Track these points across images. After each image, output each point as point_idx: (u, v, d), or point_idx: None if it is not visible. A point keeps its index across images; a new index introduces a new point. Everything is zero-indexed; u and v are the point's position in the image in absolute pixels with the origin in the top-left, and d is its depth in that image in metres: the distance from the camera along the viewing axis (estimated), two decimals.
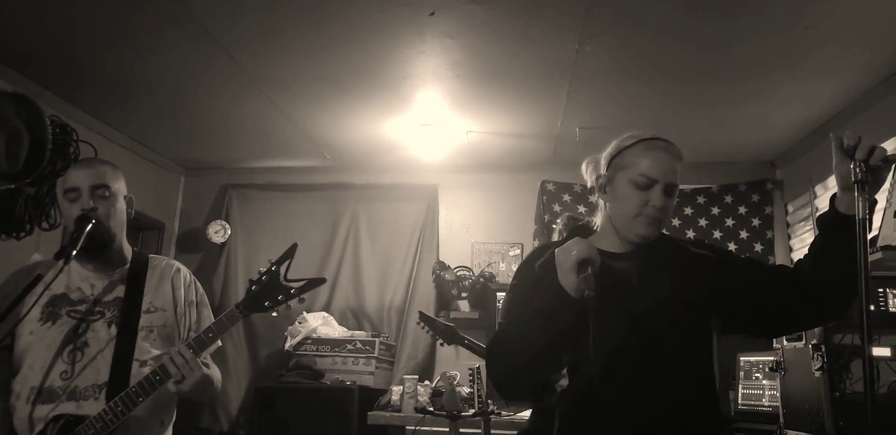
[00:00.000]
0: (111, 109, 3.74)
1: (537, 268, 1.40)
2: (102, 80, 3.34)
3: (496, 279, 4.26)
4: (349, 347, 3.88)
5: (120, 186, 1.83)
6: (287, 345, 3.96)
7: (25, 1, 2.60)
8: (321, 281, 1.73)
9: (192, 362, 1.63)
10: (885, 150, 1.24)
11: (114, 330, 1.74)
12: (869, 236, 1.71)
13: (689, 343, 1.37)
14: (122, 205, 1.82)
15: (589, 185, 1.51)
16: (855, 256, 1.17)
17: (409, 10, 2.64)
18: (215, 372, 1.84)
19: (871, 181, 1.23)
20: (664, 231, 1.45)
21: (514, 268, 4.27)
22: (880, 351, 1.84)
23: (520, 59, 3.03)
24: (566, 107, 3.53)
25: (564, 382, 1.43)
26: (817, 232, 1.38)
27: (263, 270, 1.71)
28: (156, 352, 1.78)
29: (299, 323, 4.02)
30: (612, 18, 2.65)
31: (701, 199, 4.24)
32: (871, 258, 1.90)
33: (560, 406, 1.42)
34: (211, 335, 1.68)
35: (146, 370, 1.71)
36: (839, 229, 1.29)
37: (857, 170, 1.22)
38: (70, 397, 1.67)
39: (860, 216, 1.18)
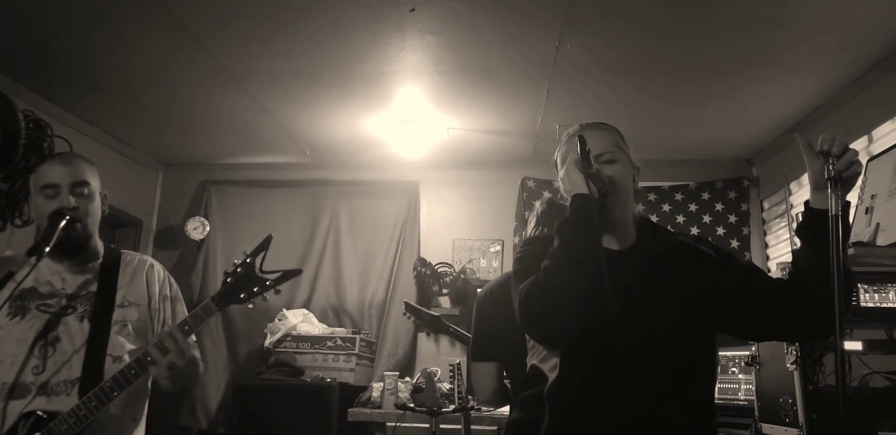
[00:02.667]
0: (87, 104, 3.68)
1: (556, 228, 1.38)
2: (78, 74, 3.29)
3: (477, 275, 4.27)
4: (329, 343, 3.87)
5: (97, 183, 1.81)
6: (267, 342, 3.94)
7: None
8: (297, 272, 1.71)
9: (183, 343, 1.61)
10: (856, 152, 1.26)
11: (86, 324, 1.72)
12: (849, 232, 1.74)
13: (692, 338, 1.35)
14: (98, 202, 1.80)
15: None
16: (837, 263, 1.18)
17: (389, 6, 2.63)
18: (198, 355, 1.82)
19: (843, 178, 1.24)
20: (668, 227, 1.45)
21: (495, 264, 4.34)
22: (852, 345, 1.88)
23: (500, 56, 3.04)
24: (546, 104, 3.54)
25: (555, 372, 1.40)
26: (798, 242, 1.38)
27: (238, 261, 1.70)
28: (130, 346, 1.76)
29: (279, 320, 4.00)
30: (592, 16, 2.67)
31: (679, 196, 4.29)
32: None
33: (551, 398, 1.39)
34: (187, 328, 1.66)
35: (119, 365, 1.68)
36: (816, 229, 1.30)
37: (830, 167, 1.23)
38: (41, 392, 1.64)
39: (833, 212, 1.20)
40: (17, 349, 1.66)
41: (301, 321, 4.02)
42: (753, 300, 1.38)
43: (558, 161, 1.51)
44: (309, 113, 3.76)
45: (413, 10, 2.65)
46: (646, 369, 1.29)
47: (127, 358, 1.73)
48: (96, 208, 1.79)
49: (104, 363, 1.69)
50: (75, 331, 1.71)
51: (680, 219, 4.24)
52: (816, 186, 1.31)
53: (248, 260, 1.69)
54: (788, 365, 1.89)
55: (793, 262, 1.40)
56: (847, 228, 1.30)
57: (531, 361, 1.59)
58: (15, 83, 3.32)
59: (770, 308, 1.37)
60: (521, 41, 2.89)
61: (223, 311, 1.72)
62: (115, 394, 1.61)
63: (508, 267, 4.25)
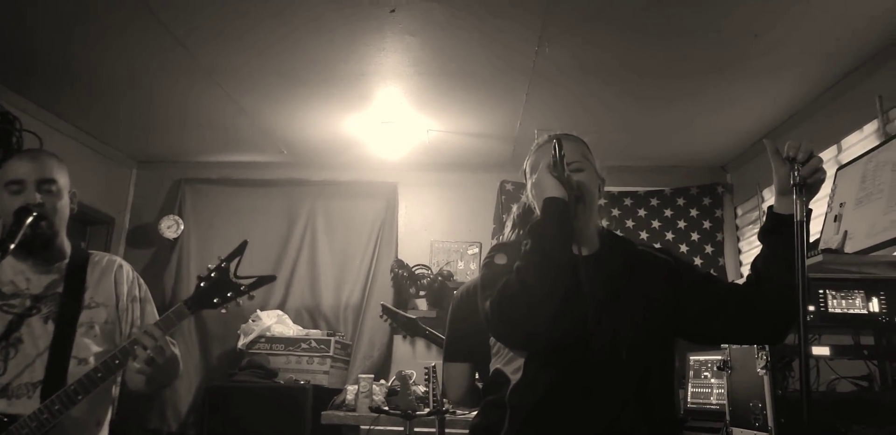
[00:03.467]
0: (60, 99, 3.61)
1: (495, 258, 1.42)
2: (51, 69, 3.23)
3: (454, 278, 4.27)
4: (304, 345, 3.84)
5: (65, 181, 1.77)
6: (240, 343, 3.89)
7: None
8: (271, 278, 1.71)
9: (162, 341, 1.59)
10: (821, 159, 1.29)
11: (51, 326, 1.68)
12: (810, 240, 1.78)
13: (656, 344, 1.37)
14: (66, 200, 1.77)
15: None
16: (794, 264, 1.20)
17: (369, 6, 2.62)
18: (177, 352, 1.80)
19: (807, 185, 1.26)
20: (628, 221, 1.48)
21: (473, 267, 4.34)
22: (820, 350, 1.91)
23: (480, 58, 3.05)
24: (525, 107, 3.56)
25: (518, 374, 1.40)
26: (761, 247, 1.40)
27: (213, 266, 1.68)
28: (96, 349, 1.73)
29: (253, 321, 3.95)
30: (571, 21, 2.69)
31: (654, 202, 4.33)
32: (811, 261, 1.98)
33: (513, 401, 1.39)
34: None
35: (84, 368, 1.65)
36: (779, 234, 1.32)
37: (796, 173, 1.25)
38: (1, 395, 1.60)
39: (798, 218, 1.21)
40: None
41: (275, 322, 3.98)
42: (712, 305, 1.40)
43: (528, 170, 1.52)
44: (287, 112, 3.73)
45: (393, 11, 2.65)
46: (611, 375, 1.30)
47: (92, 360, 1.70)
48: (64, 206, 1.75)
49: (68, 366, 1.66)
50: (39, 332, 1.67)
51: (655, 224, 4.29)
52: (781, 192, 1.34)
53: (222, 265, 1.68)
54: (759, 370, 1.91)
55: (752, 265, 1.42)
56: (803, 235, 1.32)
57: (495, 365, 1.59)
58: None
59: (728, 312, 1.39)
60: (500, 44, 2.90)
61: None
62: (80, 398, 1.58)
63: None
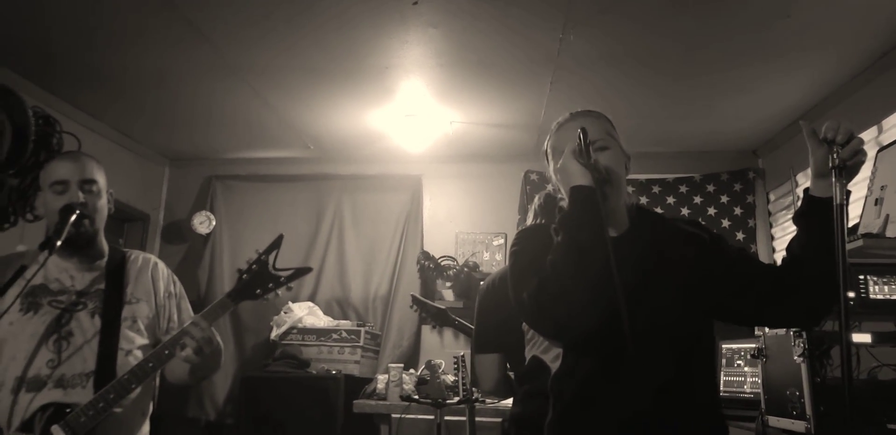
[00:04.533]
0: (94, 100, 3.69)
1: (515, 244, 1.40)
2: (84, 70, 3.29)
3: (480, 268, 4.28)
4: (334, 336, 3.88)
5: (104, 181, 1.85)
6: (273, 335, 3.95)
7: None
8: (308, 270, 1.80)
9: (209, 331, 1.67)
10: (861, 141, 1.25)
11: (97, 320, 1.75)
12: (849, 224, 1.74)
13: (694, 324, 1.34)
14: (105, 200, 1.84)
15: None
16: (832, 249, 1.17)
17: (392, 0, 2.62)
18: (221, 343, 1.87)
19: (847, 167, 1.23)
20: (657, 209, 1.45)
21: (498, 257, 4.34)
22: (860, 337, 1.87)
23: (503, 49, 3.03)
24: (550, 96, 3.53)
25: (557, 362, 1.39)
26: (795, 229, 1.37)
27: (252, 259, 1.76)
28: (141, 341, 1.80)
29: (285, 313, 4.01)
30: (595, 8, 2.65)
31: (683, 189, 4.27)
32: (851, 246, 1.94)
33: (555, 389, 1.38)
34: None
35: (130, 360, 1.73)
36: (816, 217, 1.28)
37: (835, 155, 1.22)
38: (57, 385, 1.67)
39: (838, 201, 1.18)
40: (31, 344, 1.69)
41: (306, 314, 4.04)
42: (746, 283, 1.36)
43: (550, 152, 1.48)
44: (312, 107, 3.76)
45: (416, 3, 2.64)
46: (650, 358, 1.27)
47: (137, 352, 1.77)
48: (103, 206, 1.83)
49: (117, 357, 1.73)
50: (87, 326, 1.74)
51: (685, 211, 4.23)
52: (819, 174, 1.30)
53: (261, 258, 1.76)
54: (796, 357, 1.89)
55: (788, 248, 1.38)
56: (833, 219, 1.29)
57: (531, 352, 1.58)
58: (22, 79, 3.32)
59: (762, 292, 1.35)
60: (524, 34, 2.87)
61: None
62: (133, 386, 1.66)
63: None
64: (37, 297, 1.74)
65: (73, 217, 1.69)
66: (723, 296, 1.37)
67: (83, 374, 1.70)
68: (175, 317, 1.90)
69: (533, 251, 1.34)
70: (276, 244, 1.77)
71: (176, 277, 1.99)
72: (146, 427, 1.84)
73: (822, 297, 1.29)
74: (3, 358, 1.69)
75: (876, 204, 2.31)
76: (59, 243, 1.63)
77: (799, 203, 1.38)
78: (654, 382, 1.28)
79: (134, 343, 1.78)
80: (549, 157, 1.47)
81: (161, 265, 1.96)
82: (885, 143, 2.57)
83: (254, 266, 1.75)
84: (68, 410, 1.63)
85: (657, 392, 1.27)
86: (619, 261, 1.24)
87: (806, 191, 1.35)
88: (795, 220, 1.37)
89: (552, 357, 1.43)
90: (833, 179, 1.21)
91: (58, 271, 1.80)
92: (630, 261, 1.30)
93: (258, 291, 1.74)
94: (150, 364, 1.67)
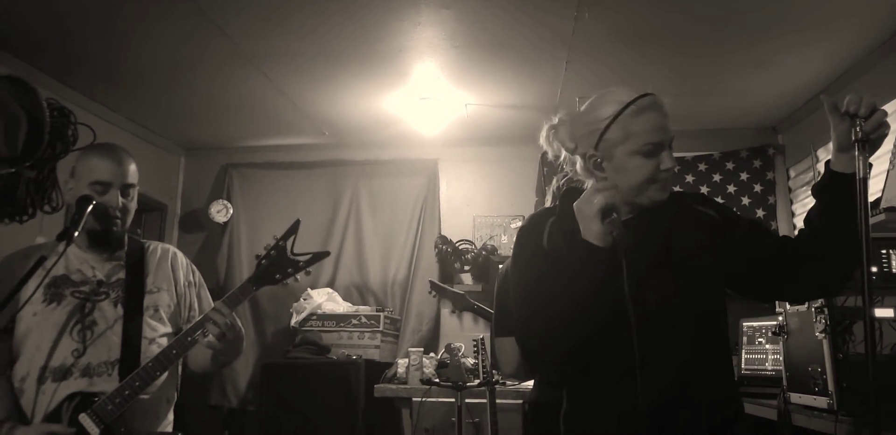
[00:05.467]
0: (108, 91, 3.71)
1: (545, 243, 1.34)
2: (98, 61, 3.31)
3: (498, 252, 4.27)
4: (354, 321, 3.91)
5: (137, 180, 1.87)
6: (293, 321, 3.99)
7: None
8: (325, 254, 1.82)
9: (231, 317, 1.69)
10: (885, 113, 1.22)
11: (120, 309, 1.78)
12: (871, 199, 1.70)
13: (709, 304, 1.32)
14: (136, 199, 1.88)
15: (557, 155, 1.48)
16: (852, 223, 1.15)
17: None
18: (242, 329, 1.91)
19: (871, 140, 1.20)
20: (676, 188, 1.41)
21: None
22: (883, 312, 1.84)
23: (517, 29, 2.99)
24: (565, 76, 3.49)
25: None
26: (815, 201, 1.34)
27: (270, 245, 1.78)
28: (163, 330, 1.83)
29: (304, 299, 4.05)
30: None
31: (702, 167, 4.22)
32: (874, 220, 1.91)
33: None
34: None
35: (154, 348, 1.76)
36: (836, 191, 1.26)
37: (858, 129, 1.20)
38: (83, 374, 1.70)
39: (861, 175, 1.16)
40: (54, 334, 1.72)
41: (326, 300, 4.07)
42: (762, 259, 1.34)
43: (616, 133, 1.29)
44: (326, 93, 3.75)
45: None
46: (664, 344, 1.25)
47: (161, 340, 1.80)
48: (134, 206, 1.87)
49: (141, 345, 1.76)
50: (110, 315, 1.77)
51: (704, 189, 4.19)
52: (840, 148, 1.26)
53: (279, 243, 1.78)
54: (817, 334, 1.86)
55: (806, 220, 1.36)
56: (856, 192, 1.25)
57: None
58: (36, 71, 3.35)
59: (779, 266, 1.33)
60: (537, 14, 2.83)
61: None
62: (158, 374, 1.69)
63: None
64: (59, 287, 1.77)
65: (90, 207, 1.71)
66: (738, 272, 1.35)
67: (108, 362, 1.72)
68: (195, 305, 1.93)
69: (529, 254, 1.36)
70: (294, 229, 1.78)
71: (195, 267, 2.01)
72: (171, 415, 1.87)
73: (842, 268, 1.28)
74: (29, 348, 1.71)
75: None
76: (76, 234, 1.65)
77: (819, 177, 1.35)
78: (671, 366, 1.26)
79: (157, 331, 1.81)
80: (614, 139, 1.30)
81: (180, 255, 1.99)
82: None
83: (272, 252, 1.76)
84: (95, 399, 1.65)
85: (674, 377, 1.25)
86: (625, 245, 1.20)
87: (827, 164, 1.31)
88: (815, 193, 1.34)
89: None
90: (856, 153, 1.19)
91: (79, 262, 1.82)
92: (640, 242, 1.27)
93: (277, 275, 1.75)
94: (174, 351, 1.70)
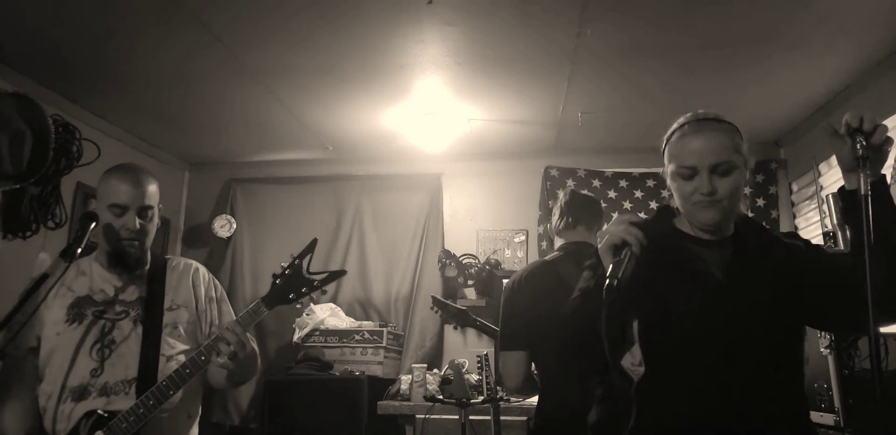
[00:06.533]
0: (112, 106, 3.74)
1: None
2: (102, 77, 3.34)
3: (502, 266, 4.26)
4: (357, 337, 3.89)
5: (157, 200, 1.90)
6: (295, 337, 3.97)
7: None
8: (342, 273, 1.82)
9: (243, 337, 1.69)
10: (886, 128, 1.22)
11: (139, 328, 1.79)
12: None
13: (778, 342, 1.31)
14: (157, 219, 1.90)
15: None
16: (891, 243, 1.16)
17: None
18: (257, 348, 1.91)
19: (873, 157, 1.20)
20: (760, 222, 1.43)
21: (520, 254, 4.33)
22: (889, 328, 1.83)
23: (520, 45, 3.01)
24: (567, 92, 3.50)
25: (641, 369, 1.37)
26: (849, 230, 1.32)
27: (286, 264, 1.78)
28: (182, 347, 1.84)
29: (307, 315, 4.03)
30: (611, 3, 2.63)
31: None
32: None
33: (639, 398, 1.36)
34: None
35: (172, 365, 1.76)
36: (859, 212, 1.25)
37: (859, 146, 1.20)
38: (101, 393, 1.71)
39: (863, 192, 1.16)
40: (75, 354, 1.73)
41: (328, 316, 4.05)
42: (841, 291, 1.29)
43: (667, 156, 1.43)
44: (330, 108, 3.77)
45: (431, 1, 2.64)
46: (732, 362, 1.26)
47: (180, 358, 1.80)
48: (154, 226, 1.89)
49: (158, 364, 1.77)
50: (129, 334, 1.79)
51: None
52: (849, 169, 1.26)
53: (295, 262, 1.77)
54: (822, 350, 1.85)
55: (852, 249, 1.32)
56: (891, 202, 1.25)
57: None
58: (41, 87, 3.38)
59: (855, 298, 1.27)
60: (540, 29, 2.86)
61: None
62: (171, 392, 1.69)
63: (534, 257, 4.24)
64: (81, 307, 1.79)
65: (93, 225, 1.73)
66: (816, 305, 1.33)
67: (125, 381, 1.74)
68: (217, 321, 1.93)
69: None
70: (311, 248, 1.78)
71: (217, 282, 2.02)
72: (195, 429, 1.88)
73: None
74: (52, 368, 1.74)
75: None
76: (79, 250, 1.66)
77: (823, 193, 1.35)
78: (743, 390, 1.26)
79: (175, 349, 1.82)
80: (665, 162, 1.43)
81: (202, 270, 2.00)
82: None
83: (287, 271, 1.76)
84: (105, 416, 1.66)
85: (745, 400, 1.25)
86: (708, 261, 1.29)
87: (842, 188, 1.31)
88: (843, 218, 1.32)
89: (635, 363, 1.41)
90: (859, 169, 1.19)
91: (102, 281, 1.84)
92: (720, 262, 1.32)
93: (292, 295, 1.75)
94: (187, 370, 1.70)
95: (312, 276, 1.75)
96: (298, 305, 1.78)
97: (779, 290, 1.31)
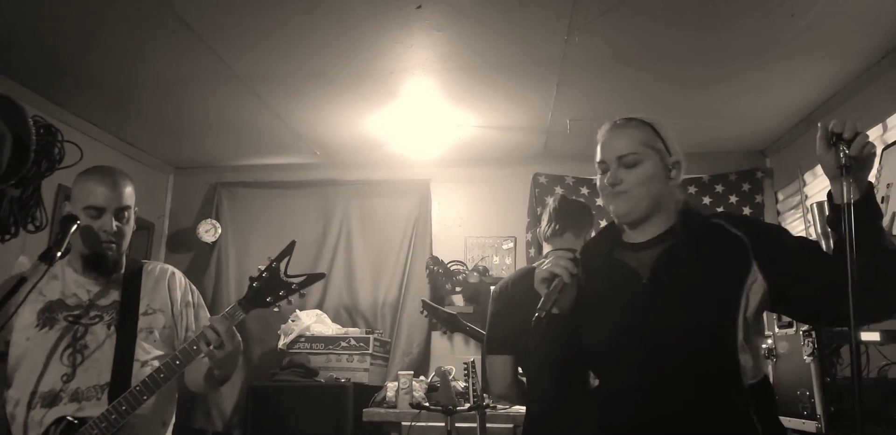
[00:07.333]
0: (96, 109, 3.70)
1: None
2: (86, 79, 3.31)
3: (490, 273, 4.25)
4: (343, 344, 3.87)
5: (134, 202, 1.87)
6: (280, 343, 3.94)
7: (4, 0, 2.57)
8: (321, 276, 1.78)
9: (231, 331, 1.67)
10: (867, 136, 1.23)
11: (113, 332, 1.76)
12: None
13: (706, 339, 1.29)
14: (133, 221, 1.87)
15: None
16: (875, 245, 1.17)
17: (396, 3, 2.62)
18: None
19: (856, 166, 1.21)
20: (701, 211, 1.44)
21: (508, 261, 4.33)
22: (869, 336, 1.84)
23: (509, 51, 3.02)
24: (556, 99, 3.52)
25: (595, 381, 1.41)
26: (832, 234, 1.32)
27: (263, 267, 1.75)
28: (157, 352, 1.81)
29: (292, 321, 4.00)
30: (600, 9, 2.64)
31: (692, 190, 4.25)
32: None
33: (596, 404, 1.39)
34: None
35: (147, 370, 1.73)
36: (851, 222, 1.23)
37: (842, 155, 1.20)
38: (72, 399, 1.68)
39: (847, 200, 1.17)
40: (45, 359, 1.70)
41: (314, 322, 4.02)
42: (799, 282, 1.29)
43: (597, 163, 1.47)
44: (318, 113, 3.76)
45: (420, 6, 2.64)
46: (658, 360, 1.28)
47: (155, 363, 1.77)
48: (131, 228, 1.86)
49: (132, 369, 1.74)
50: (103, 339, 1.75)
51: None
52: (833, 177, 1.26)
53: (272, 265, 1.74)
54: (805, 357, 1.86)
55: (834, 254, 1.30)
56: (877, 208, 1.25)
57: None
58: (23, 88, 3.35)
59: (812, 290, 1.29)
60: (529, 35, 2.87)
61: None
62: (145, 398, 1.66)
63: (522, 264, 4.24)
64: (53, 312, 1.76)
65: (74, 227, 1.70)
66: (774, 292, 1.31)
67: (98, 386, 1.70)
68: (193, 326, 1.90)
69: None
70: (289, 251, 1.75)
71: (193, 287, 2.00)
72: None
73: (880, 291, 1.22)
74: (22, 373, 1.70)
75: (882, 202, 2.29)
76: (59, 254, 1.63)
77: (808, 202, 1.36)
78: (672, 392, 1.27)
79: (150, 354, 1.79)
80: (597, 168, 1.47)
81: (178, 275, 1.97)
82: (890, 142, 2.54)
83: (265, 274, 1.73)
84: (76, 423, 1.63)
85: (674, 404, 1.26)
86: (638, 264, 1.33)
87: (829, 196, 1.30)
88: (832, 225, 1.30)
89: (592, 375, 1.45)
90: (842, 177, 1.20)
91: (75, 286, 1.81)
92: (652, 267, 1.34)
93: (269, 298, 1.72)
94: (162, 375, 1.67)
95: (290, 279, 1.72)
96: (276, 309, 1.75)
97: (712, 280, 1.30)
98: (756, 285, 1.29)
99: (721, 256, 1.33)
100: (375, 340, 3.91)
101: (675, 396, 1.26)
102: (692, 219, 1.42)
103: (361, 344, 3.86)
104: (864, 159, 1.22)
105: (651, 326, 1.29)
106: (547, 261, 1.32)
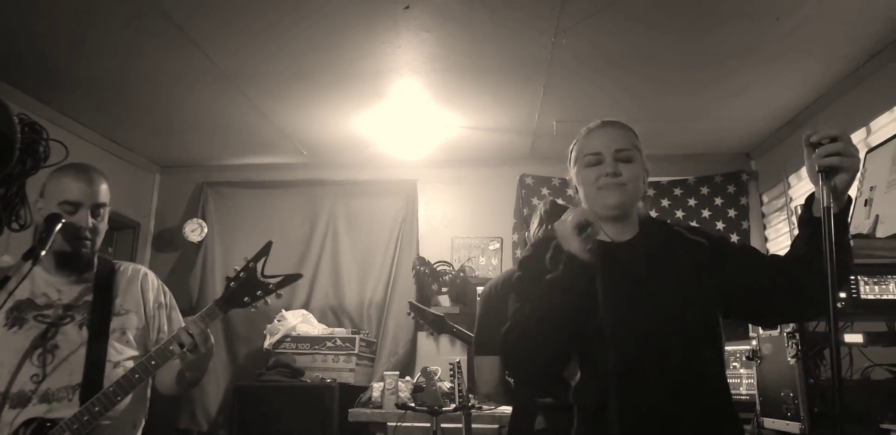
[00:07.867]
0: (83, 107, 3.67)
1: (548, 264, 1.39)
2: (72, 77, 3.28)
3: (476, 273, 4.26)
4: (329, 344, 3.86)
5: (109, 199, 1.83)
6: (266, 343, 3.92)
7: None
8: (297, 276, 1.77)
9: (204, 334, 1.65)
10: (842, 144, 1.23)
11: (85, 332, 1.73)
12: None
13: (702, 331, 1.35)
14: (107, 219, 1.84)
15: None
16: (837, 248, 1.17)
17: (384, 4, 2.62)
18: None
19: (831, 173, 1.22)
20: (664, 219, 1.46)
21: (494, 262, 4.33)
22: (852, 338, 1.87)
23: (496, 52, 3.03)
24: (543, 100, 3.53)
25: (577, 374, 1.40)
26: (800, 231, 1.37)
27: (240, 267, 1.74)
28: (130, 353, 1.79)
29: (278, 321, 3.98)
30: (587, 11, 2.65)
31: (678, 191, 4.28)
32: None
33: (578, 401, 1.39)
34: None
35: (119, 371, 1.71)
36: (818, 224, 1.27)
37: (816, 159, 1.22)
38: (42, 400, 1.65)
39: (825, 204, 1.18)
40: (14, 359, 1.67)
41: (300, 322, 4.01)
42: (759, 284, 1.36)
43: (573, 155, 1.50)
44: (305, 113, 3.75)
45: (408, 7, 2.64)
46: (657, 362, 1.30)
47: (128, 364, 1.75)
48: (105, 226, 1.83)
49: (104, 369, 1.71)
50: (74, 339, 1.72)
51: (679, 214, 4.24)
52: (814, 182, 1.30)
53: (249, 265, 1.73)
54: (789, 359, 1.88)
55: (794, 247, 1.38)
56: (845, 225, 1.29)
57: None
58: (8, 86, 3.31)
59: (778, 289, 1.35)
60: (516, 37, 2.88)
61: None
62: (119, 399, 1.64)
63: (508, 265, 4.25)
64: (22, 311, 1.73)
65: (59, 226, 1.67)
66: (738, 299, 1.38)
67: (69, 387, 1.68)
68: (165, 328, 1.88)
69: (538, 270, 1.38)
70: (266, 251, 1.74)
71: (166, 288, 1.97)
72: None
73: (820, 292, 1.26)
74: None
75: (865, 205, 2.32)
76: (43, 253, 1.61)
77: (793, 204, 1.38)
78: (668, 384, 1.29)
79: (123, 355, 1.76)
80: (572, 161, 1.49)
81: (151, 276, 1.95)
82: (874, 144, 2.58)
83: (241, 274, 1.72)
84: (48, 424, 1.60)
85: (671, 394, 1.29)
86: (620, 264, 1.32)
87: (811, 196, 1.33)
88: (800, 224, 1.36)
89: (570, 373, 1.43)
90: (820, 183, 1.21)
91: (45, 285, 1.78)
92: (630, 265, 1.36)
93: (246, 298, 1.71)
94: (136, 375, 1.65)
95: (267, 279, 1.72)
96: (253, 309, 1.74)
97: (693, 284, 1.36)
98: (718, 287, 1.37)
99: (691, 258, 1.39)
100: (361, 340, 3.91)
101: (662, 388, 1.29)
102: (658, 224, 1.50)
103: (347, 344, 3.85)
104: (839, 166, 1.23)
105: (648, 320, 1.31)
106: (574, 213, 1.28)
